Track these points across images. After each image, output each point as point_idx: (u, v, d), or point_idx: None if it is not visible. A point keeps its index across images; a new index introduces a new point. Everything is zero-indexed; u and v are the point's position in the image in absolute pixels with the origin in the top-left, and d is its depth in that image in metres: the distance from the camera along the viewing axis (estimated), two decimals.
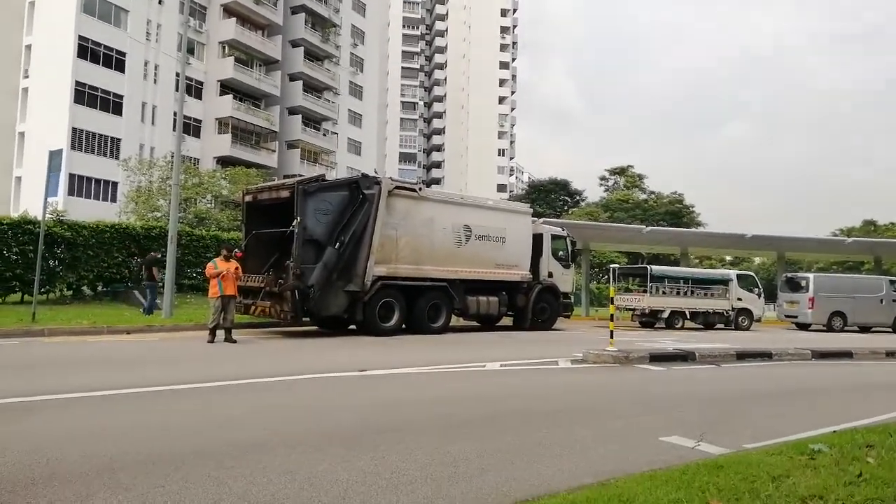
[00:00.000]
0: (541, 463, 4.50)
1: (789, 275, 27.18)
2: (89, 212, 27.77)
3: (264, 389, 7.18)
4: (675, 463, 4.34)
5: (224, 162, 43.48)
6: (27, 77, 40.63)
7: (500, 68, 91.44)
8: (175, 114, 37.94)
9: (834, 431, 5.34)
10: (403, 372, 8.74)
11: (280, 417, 5.77)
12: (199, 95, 45.71)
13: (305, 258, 13.09)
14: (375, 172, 16.34)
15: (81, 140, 37.99)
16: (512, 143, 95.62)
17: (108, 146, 39.45)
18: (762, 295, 24.58)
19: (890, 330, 24.76)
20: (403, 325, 14.72)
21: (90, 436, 4.80)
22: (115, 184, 38.04)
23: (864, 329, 25.07)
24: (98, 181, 38.64)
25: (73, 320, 13.65)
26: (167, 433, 4.97)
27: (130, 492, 3.55)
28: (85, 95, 38.14)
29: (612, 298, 12.77)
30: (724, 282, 23.53)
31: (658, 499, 3.35)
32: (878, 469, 3.96)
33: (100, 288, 19.68)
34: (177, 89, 39.07)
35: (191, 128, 44.18)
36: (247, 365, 9.19)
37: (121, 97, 40.11)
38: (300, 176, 18.33)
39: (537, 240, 18.20)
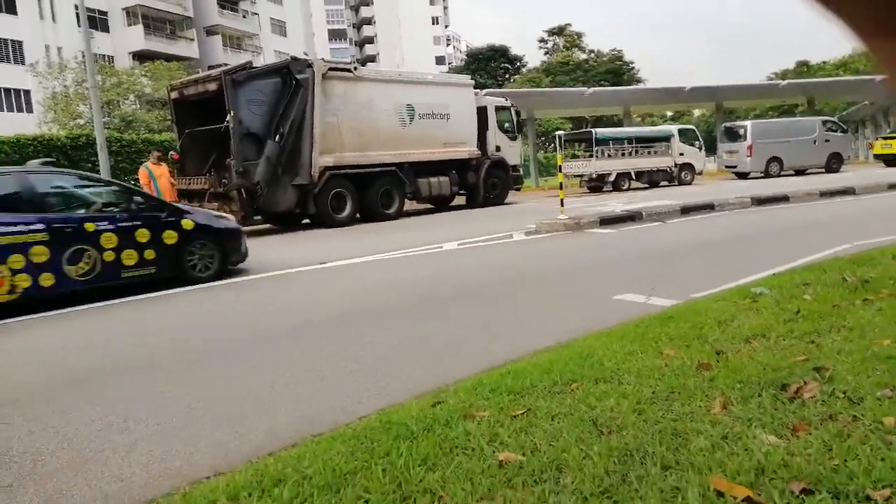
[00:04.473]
0: (506, 331, 4.72)
1: (728, 124, 27.54)
2: (5, 126, 25.81)
3: (224, 290, 7.17)
4: (629, 318, 4.61)
5: (141, 57, 40.36)
6: None
7: None
8: (77, 7, 34.61)
9: (774, 274, 5.69)
10: (362, 260, 8.81)
11: (246, 315, 5.81)
12: None
13: (246, 154, 12.64)
14: (306, 54, 15.54)
15: None
16: (445, 9, 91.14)
17: (10, 50, 36.01)
18: (703, 148, 25.09)
19: (823, 170, 25.78)
20: (357, 215, 14.65)
21: (51, 352, 4.78)
22: (27, 92, 35.18)
23: (800, 172, 26.05)
24: (7, 91, 35.62)
25: None
26: (130, 342, 4.97)
27: (107, 403, 3.58)
28: None
29: (560, 167, 12.86)
30: (666, 138, 23.84)
31: (615, 352, 3.58)
32: (814, 304, 4.29)
33: None
34: None
35: (97, 21, 40.36)
36: None
37: None
38: (226, 65, 17.22)
39: (482, 113, 17.89)
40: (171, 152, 13.04)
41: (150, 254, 7.16)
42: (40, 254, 6.37)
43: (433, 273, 7.69)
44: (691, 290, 5.50)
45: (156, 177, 11.55)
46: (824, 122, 26.61)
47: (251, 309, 6.29)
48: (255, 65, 14.13)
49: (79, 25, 26.26)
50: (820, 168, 25.89)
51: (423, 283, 7.02)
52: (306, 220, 14.70)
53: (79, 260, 6.61)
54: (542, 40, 70.22)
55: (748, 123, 26.06)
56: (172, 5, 44.67)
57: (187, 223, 7.53)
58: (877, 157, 30.57)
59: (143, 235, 7.12)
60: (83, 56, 21.30)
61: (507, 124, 18.92)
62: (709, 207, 12.61)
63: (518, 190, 20.14)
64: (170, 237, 7.33)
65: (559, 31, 68.83)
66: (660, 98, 35.32)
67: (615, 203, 15.97)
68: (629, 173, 22.75)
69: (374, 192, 14.76)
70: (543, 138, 45.89)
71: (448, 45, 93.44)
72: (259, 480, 2.37)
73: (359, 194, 14.48)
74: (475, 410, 2.89)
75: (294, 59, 14.01)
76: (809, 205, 13.09)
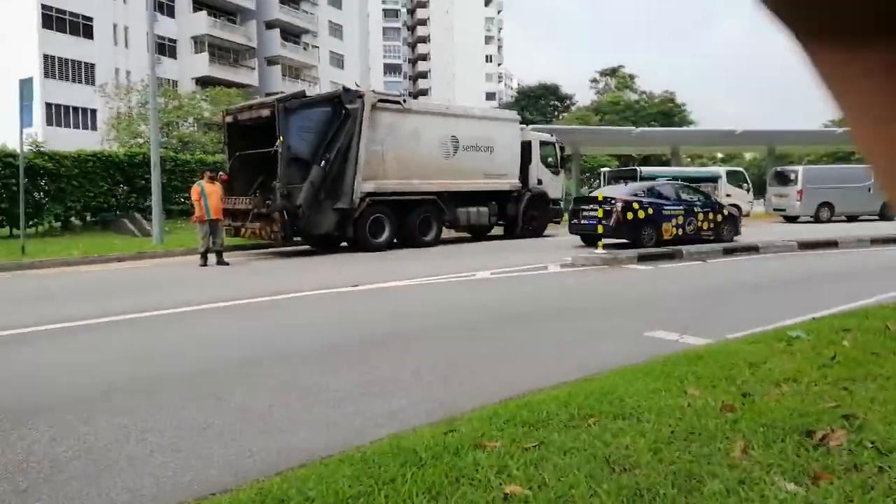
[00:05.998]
0: (530, 362, 4.65)
1: (778, 168, 27.01)
2: (70, 141, 27.12)
3: (260, 309, 7.28)
4: (657, 356, 4.48)
5: (203, 82, 42.11)
6: None
7: None
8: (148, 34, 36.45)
9: (813, 318, 5.47)
10: (396, 285, 8.84)
11: (275, 334, 5.88)
12: (171, 13, 43.56)
13: (291, 178, 12.94)
14: (357, 86, 15.88)
15: (54, 67, 36.55)
16: (499, 48, 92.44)
17: (83, 72, 38.01)
18: (751, 190, 24.61)
19: (877, 218, 24.94)
20: (395, 240, 14.76)
21: (89, 362, 4.91)
22: (93, 111, 36.98)
23: (852, 218, 25.24)
24: (76, 109, 37.53)
25: (63, 251, 13.64)
26: (164, 357, 5.07)
27: (131, 414, 3.66)
28: (53, 19, 36.37)
29: (601, 202, 12.73)
30: (714, 179, 23.51)
31: (638, 390, 3.47)
32: (852, 351, 4.09)
33: (88, 218, 19.58)
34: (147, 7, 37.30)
35: (166, 48, 42.44)
36: (241, 286, 9.28)
37: (90, 19, 38.23)
38: (281, 93, 17.80)
39: (526, 147, 17.94)
40: (221, 173, 13.45)
41: (711, 225, 13.49)
42: (680, 220, 13.05)
43: (461, 300, 7.66)
44: (726, 331, 5.33)
45: (207, 194, 11.90)
46: None
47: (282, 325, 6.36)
48: (308, 94, 14.54)
49: (148, 51, 27.56)
50: (874, 216, 25.08)
51: (452, 310, 7.00)
52: (344, 244, 14.89)
53: (690, 224, 13.18)
54: (593, 80, 70.43)
55: (799, 168, 25.50)
56: (239, 36, 46.60)
57: (725, 211, 13.92)
58: None
59: (710, 215, 13.50)
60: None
61: (550, 159, 18.92)
62: (753, 249, 12.26)
63: (558, 223, 20.00)
64: (719, 217, 13.58)
65: (612, 73, 68.92)
66: (710, 140, 34.88)
67: None
68: None
69: (413, 219, 14.87)
70: (589, 174, 45.69)
71: (500, 81, 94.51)
72: (262, 500, 2.36)
73: (398, 220, 14.61)
74: (487, 440, 2.84)
75: (346, 89, 14.36)
76: (859, 251, 12.61)
